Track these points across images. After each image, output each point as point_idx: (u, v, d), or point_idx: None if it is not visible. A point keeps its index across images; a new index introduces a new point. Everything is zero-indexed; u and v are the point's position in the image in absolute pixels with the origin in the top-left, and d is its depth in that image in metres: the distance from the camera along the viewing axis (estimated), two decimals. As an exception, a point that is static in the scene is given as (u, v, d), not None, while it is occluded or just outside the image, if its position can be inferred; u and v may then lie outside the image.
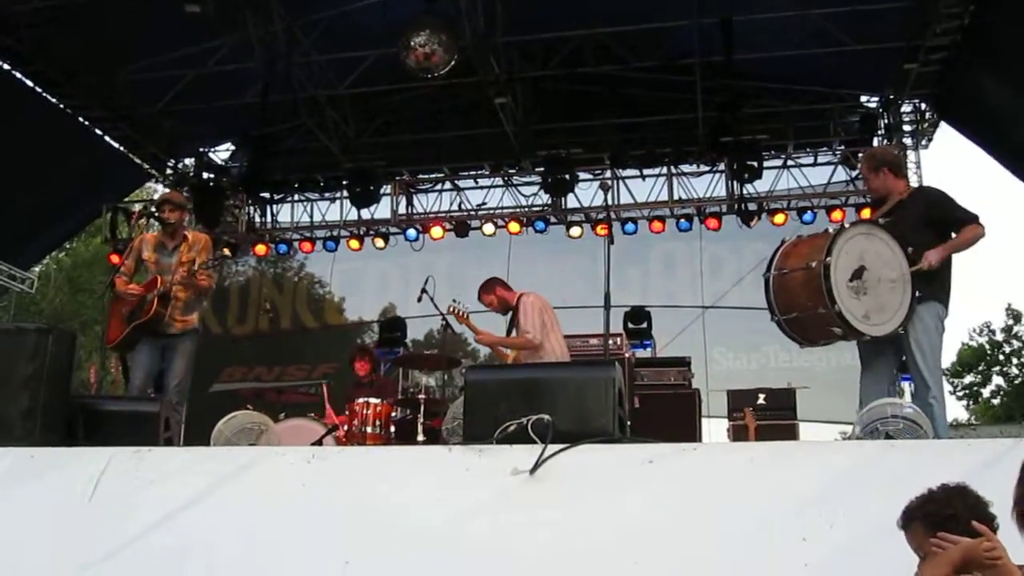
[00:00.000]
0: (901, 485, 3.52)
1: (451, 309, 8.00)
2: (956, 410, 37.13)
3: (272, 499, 4.45)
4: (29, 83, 12.01)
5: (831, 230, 5.85)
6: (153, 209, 8.48)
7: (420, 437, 7.61)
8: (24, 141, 12.03)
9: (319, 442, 7.70)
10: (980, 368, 38.18)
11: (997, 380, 38.13)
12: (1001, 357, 37.91)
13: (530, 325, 7.59)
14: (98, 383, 11.68)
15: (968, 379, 38.49)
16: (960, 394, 38.26)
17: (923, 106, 13.35)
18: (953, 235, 5.90)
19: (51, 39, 11.53)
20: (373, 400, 7.73)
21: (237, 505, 4.45)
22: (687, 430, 9.64)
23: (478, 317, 8.06)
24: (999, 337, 38.05)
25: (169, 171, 14.98)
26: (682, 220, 13.66)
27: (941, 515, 2.99)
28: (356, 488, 4.47)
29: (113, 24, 11.24)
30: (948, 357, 36.45)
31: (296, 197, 15.03)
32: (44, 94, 12.28)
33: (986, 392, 38.39)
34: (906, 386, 9.46)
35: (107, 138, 13.63)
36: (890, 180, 6.24)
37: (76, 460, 4.74)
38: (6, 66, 11.62)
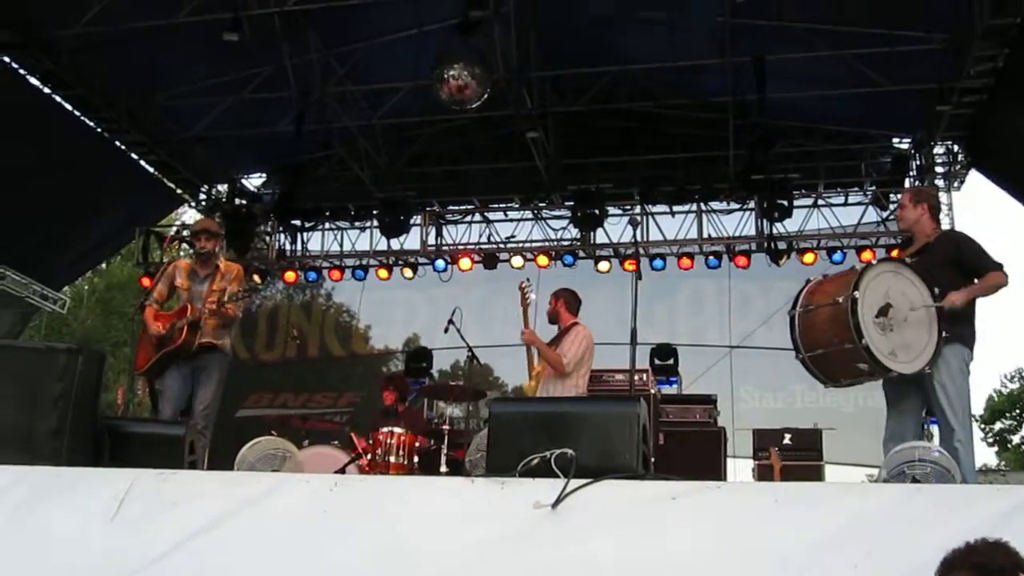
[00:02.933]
0: (927, 529, 3.49)
1: (522, 286, 8.03)
2: (986, 455, 36.75)
3: (293, 526, 4.45)
4: (68, 106, 12.19)
5: (858, 267, 5.83)
6: (187, 234, 8.56)
7: (443, 468, 7.60)
8: (61, 163, 12.20)
9: (342, 470, 7.71)
10: (1014, 413, 37.74)
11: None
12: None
13: (572, 353, 7.62)
14: (125, 405, 11.76)
15: (998, 426, 38.06)
16: (991, 440, 37.86)
17: (956, 148, 13.29)
18: (976, 280, 5.89)
19: (91, 64, 11.71)
20: (397, 429, 7.73)
21: (258, 531, 4.45)
22: (712, 468, 9.60)
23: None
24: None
25: (202, 196, 15.14)
26: (711, 257, 13.65)
27: (990, 568, 2.96)
28: (378, 517, 4.46)
29: (151, 50, 11.42)
30: (979, 403, 36.14)
31: (327, 225, 15.15)
32: (82, 117, 12.46)
33: (1016, 439, 37.96)
34: (934, 430, 9.38)
35: (142, 162, 13.79)
36: (924, 217, 6.25)
37: (101, 480, 4.76)
38: (46, 89, 11.80)
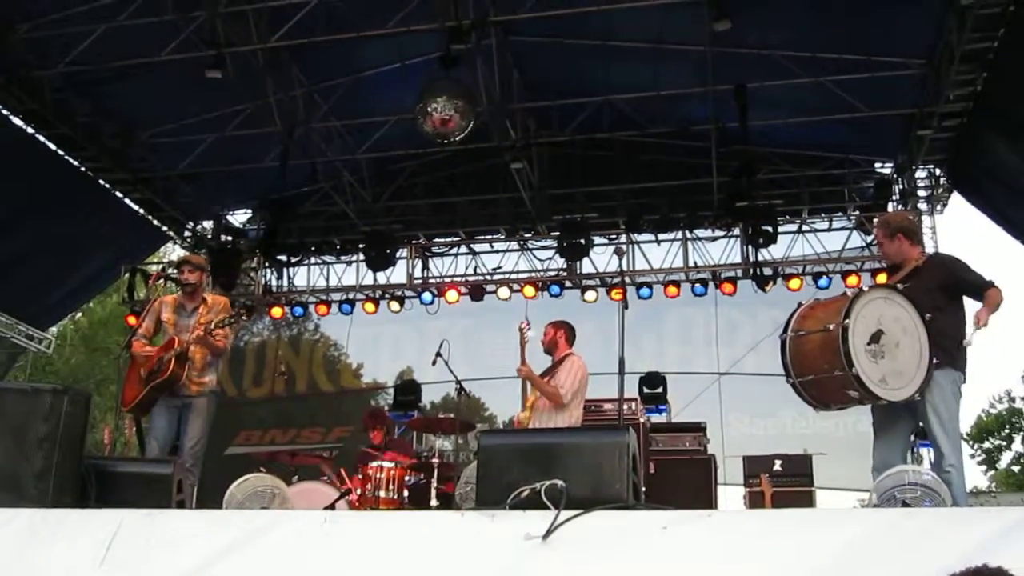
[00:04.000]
0: (919, 553, 3.48)
1: (522, 326, 8.00)
2: (975, 476, 36.79)
3: (284, 563, 4.42)
4: (52, 146, 12.20)
5: (849, 293, 5.83)
6: (172, 270, 8.52)
7: (433, 502, 7.57)
8: (45, 203, 12.18)
9: (331, 506, 7.66)
10: (1003, 433, 37.83)
11: (1018, 447, 37.79)
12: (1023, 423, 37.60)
13: (568, 384, 7.65)
14: (112, 444, 11.68)
15: (987, 444, 38.16)
16: (979, 459, 37.94)
17: (937, 171, 13.39)
18: (968, 300, 5.90)
19: (74, 103, 11.74)
20: (386, 464, 7.69)
21: (249, 569, 4.42)
22: (703, 496, 9.58)
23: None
24: (1019, 405, 37.76)
25: (188, 233, 15.14)
26: (697, 285, 13.67)
27: None
28: (368, 553, 4.43)
29: (135, 88, 11.45)
30: (968, 424, 36.21)
31: (312, 260, 15.15)
32: (66, 157, 12.46)
33: (1006, 458, 38.03)
34: (924, 452, 9.37)
35: (127, 200, 13.79)
36: (905, 246, 6.25)
37: (88, 522, 4.72)
38: (30, 129, 11.81)
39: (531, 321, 8.22)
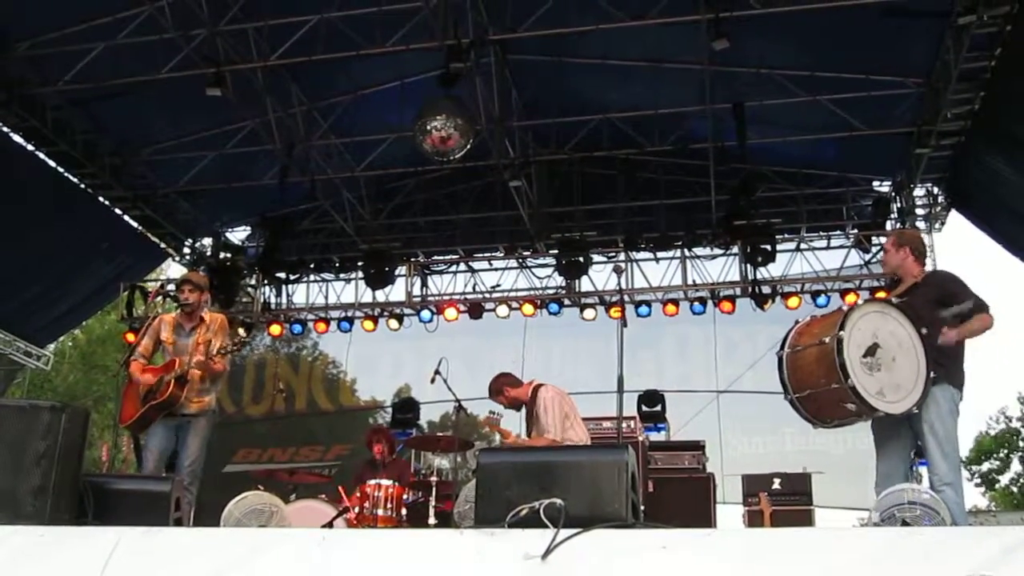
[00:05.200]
0: (918, 572, 3.46)
1: (486, 421, 8.02)
2: (975, 497, 36.64)
3: (281, 582, 4.40)
4: (51, 163, 12.22)
5: (844, 308, 5.82)
6: (172, 288, 8.50)
7: (432, 520, 7.55)
8: (45, 220, 12.20)
9: (330, 524, 7.64)
10: (1001, 454, 37.71)
11: (1017, 467, 37.66)
12: (1021, 443, 37.47)
13: (551, 424, 7.56)
14: (110, 461, 11.66)
15: (986, 466, 38.03)
16: (977, 481, 37.79)
17: (935, 190, 13.41)
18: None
19: (74, 121, 11.78)
20: (384, 482, 7.67)
21: (246, 588, 4.40)
22: (702, 515, 9.56)
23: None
24: (1016, 424, 37.66)
25: (187, 251, 15.13)
26: (696, 303, 13.67)
27: None
28: (366, 572, 4.42)
29: (134, 106, 11.48)
30: (966, 444, 36.07)
31: (311, 278, 15.14)
32: (66, 174, 12.48)
33: (1005, 479, 37.89)
34: (924, 471, 9.34)
35: (126, 217, 13.79)
36: (908, 260, 6.25)
37: (85, 540, 4.70)
38: (30, 147, 11.83)
39: (531, 339, 8.22)
